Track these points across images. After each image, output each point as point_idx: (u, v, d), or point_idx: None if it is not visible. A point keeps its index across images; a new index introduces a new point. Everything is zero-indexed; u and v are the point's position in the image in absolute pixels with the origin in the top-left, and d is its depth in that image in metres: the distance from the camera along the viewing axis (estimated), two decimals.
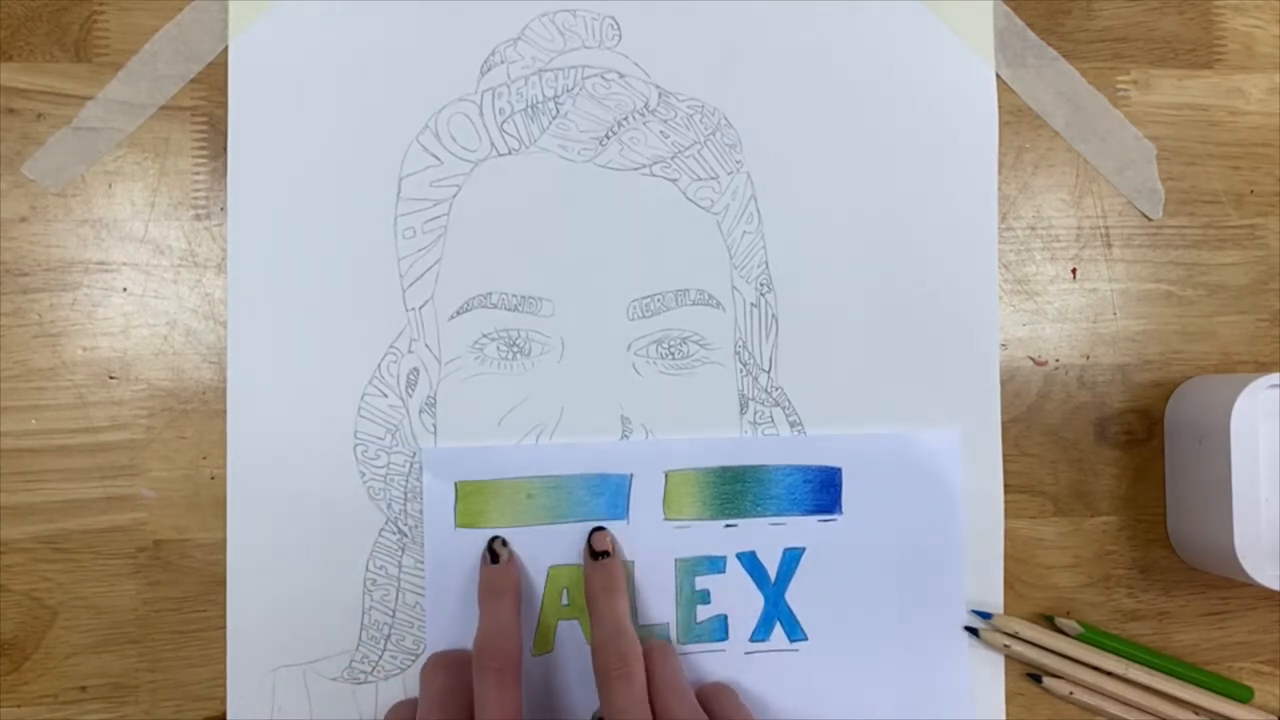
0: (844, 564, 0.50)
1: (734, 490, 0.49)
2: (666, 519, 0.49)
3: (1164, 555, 0.53)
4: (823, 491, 0.50)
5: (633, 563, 0.49)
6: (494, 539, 0.47)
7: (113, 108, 0.48)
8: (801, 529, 0.50)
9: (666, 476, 0.49)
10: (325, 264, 0.48)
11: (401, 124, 0.49)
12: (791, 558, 0.49)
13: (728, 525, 0.49)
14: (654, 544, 0.49)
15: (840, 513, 0.50)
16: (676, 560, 0.49)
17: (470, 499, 0.48)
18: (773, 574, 0.49)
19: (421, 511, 0.48)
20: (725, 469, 0.49)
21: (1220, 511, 0.47)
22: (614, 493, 0.49)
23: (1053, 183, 0.53)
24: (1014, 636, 0.50)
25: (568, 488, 0.48)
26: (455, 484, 0.48)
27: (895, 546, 0.50)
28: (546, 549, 0.48)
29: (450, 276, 0.49)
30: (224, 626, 0.47)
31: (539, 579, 0.48)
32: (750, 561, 0.49)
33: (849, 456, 0.50)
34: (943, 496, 0.50)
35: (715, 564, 0.49)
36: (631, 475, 0.49)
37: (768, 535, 0.49)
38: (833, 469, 0.50)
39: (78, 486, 0.47)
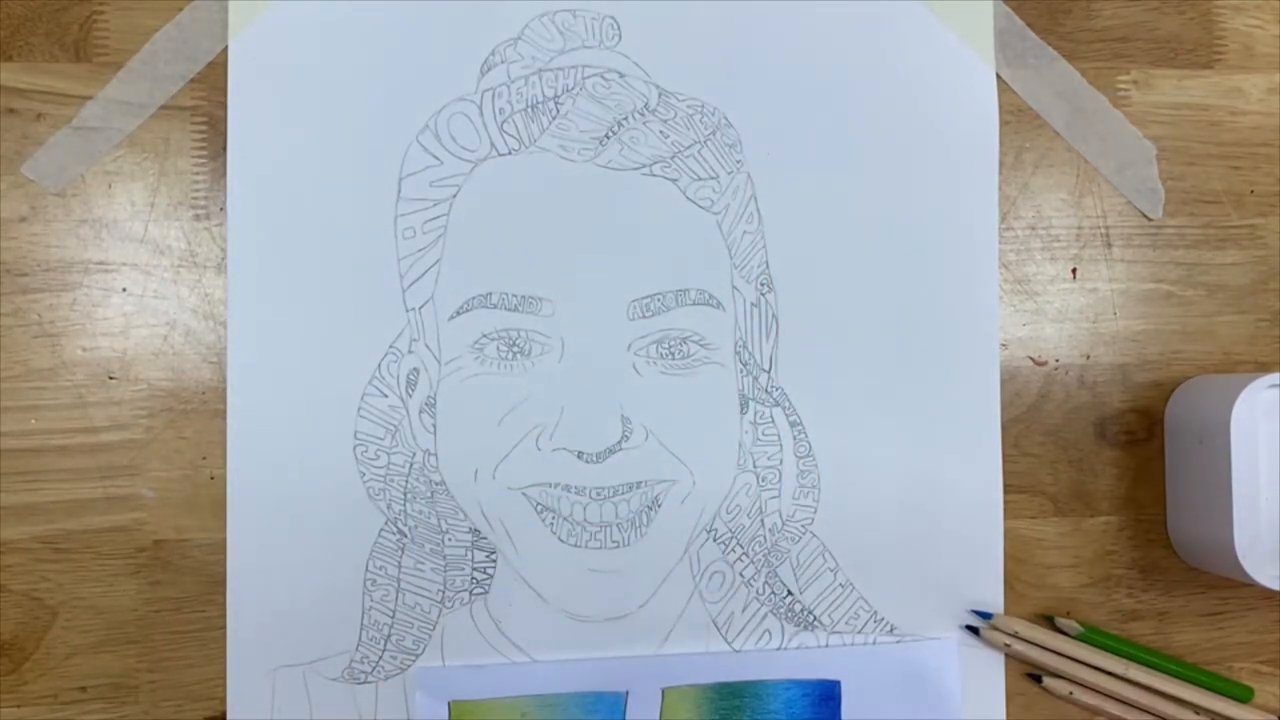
0: None
1: (732, 706, 0.49)
2: None
3: (1164, 555, 0.53)
4: (822, 705, 0.49)
5: None
6: None
7: (113, 108, 0.48)
8: None
9: (663, 694, 0.49)
10: (325, 264, 0.48)
11: (401, 124, 0.49)
12: None
13: None
14: None
15: None
16: None
17: None
18: None
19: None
20: (723, 685, 0.49)
21: (1220, 511, 0.47)
22: (609, 710, 0.48)
23: (1053, 183, 0.53)
24: (1014, 636, 0.50)
25: (562, 706, 0.48)
26: (449, 704, 0.48)
27: None
28: None
29: (450, 276, 0.49)
30: (224, 626, 0.47)
31: None
32: None
33: (848, 669, 0.50)
34: (943, 708, 0.50)
35: None
36: (627, 692, 0.48)
37: None
38: (831, 682, 0.50)
39: (78, 486, 0.47)
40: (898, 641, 0.50)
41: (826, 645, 0.50)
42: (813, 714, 0.49)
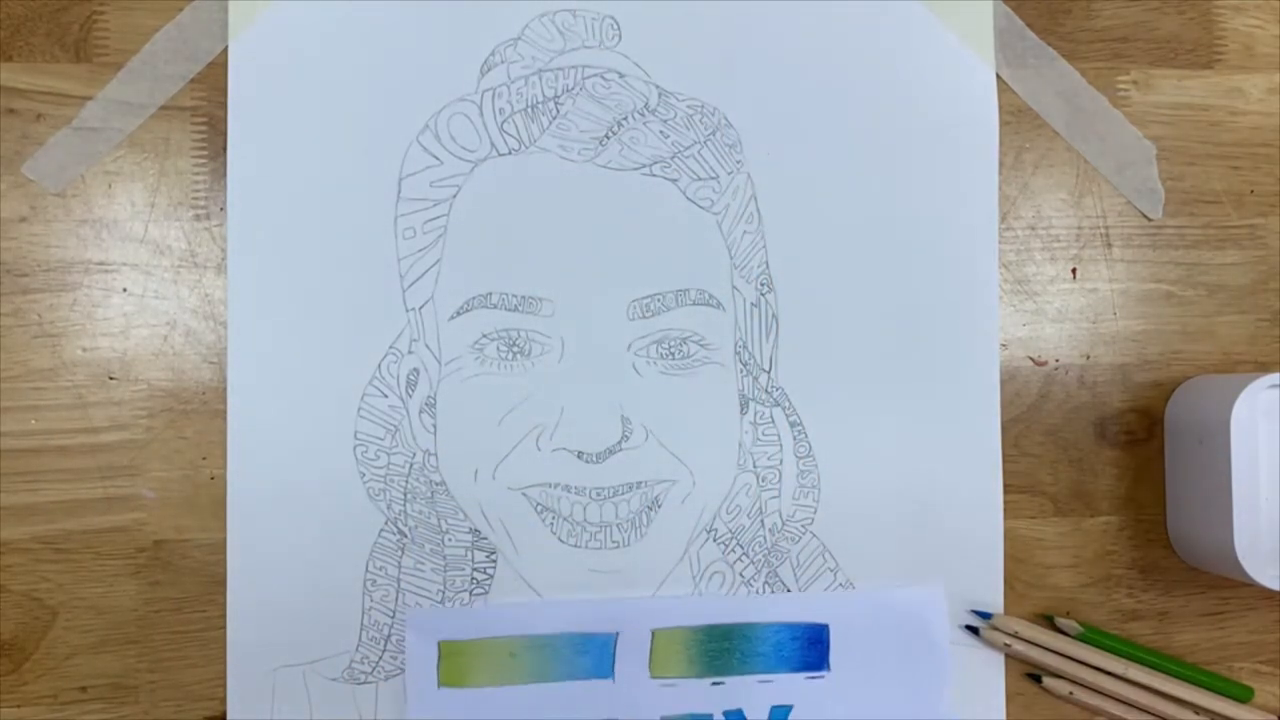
0: None
1: (721, 648, 0.49)
2: (652, 677, 0.49)
3: (1164, 555, 0.53)
4: (810, 648, 0.50)
5: None
6: None
7: (113, 108, 0.48)
8: (789, 686, 0.49)
9: (653, 635, 0.49)
10: (325, 264, 0.48)
11: (401, 124, 0.49)
12: (779, 715, 0.49)
13: (714, 683, 0.49)
14: (639, 703, 0.48)
15: (828, 670, 0.50)
16: (662, 718, 0.49)
17: (453, 659, 0.48)
18: None
19: (405, 659, 0.48)
20: (713, 627, 0.49)
21: (1220, 511, 0.47)
22: (599, 651, 0.48)
23: (1053, 183, 0.53)
24: (1014, 636, 0.50)
25: (552, 647, 0.48)
26: (438, 643, 0.48)
27: (883, 703, 0.49)
28: (532, 709, 0.48)
29: (450, 276, 0.49)
30: (224, 626, 0.47)
31: None
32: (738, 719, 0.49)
33: (836, 613, 0.50)
34: (930, 654, 0.50)
35: None
36: (617, 634, 0.48)
37: (755, 693, 0.49)
38: (820, 625, 0.50)
39: (78, 486, 0.47)
40: (887, 587, 0.50)
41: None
42: (801, 657, 0.50)
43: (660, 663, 0.49)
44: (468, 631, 0.48)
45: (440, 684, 0.48)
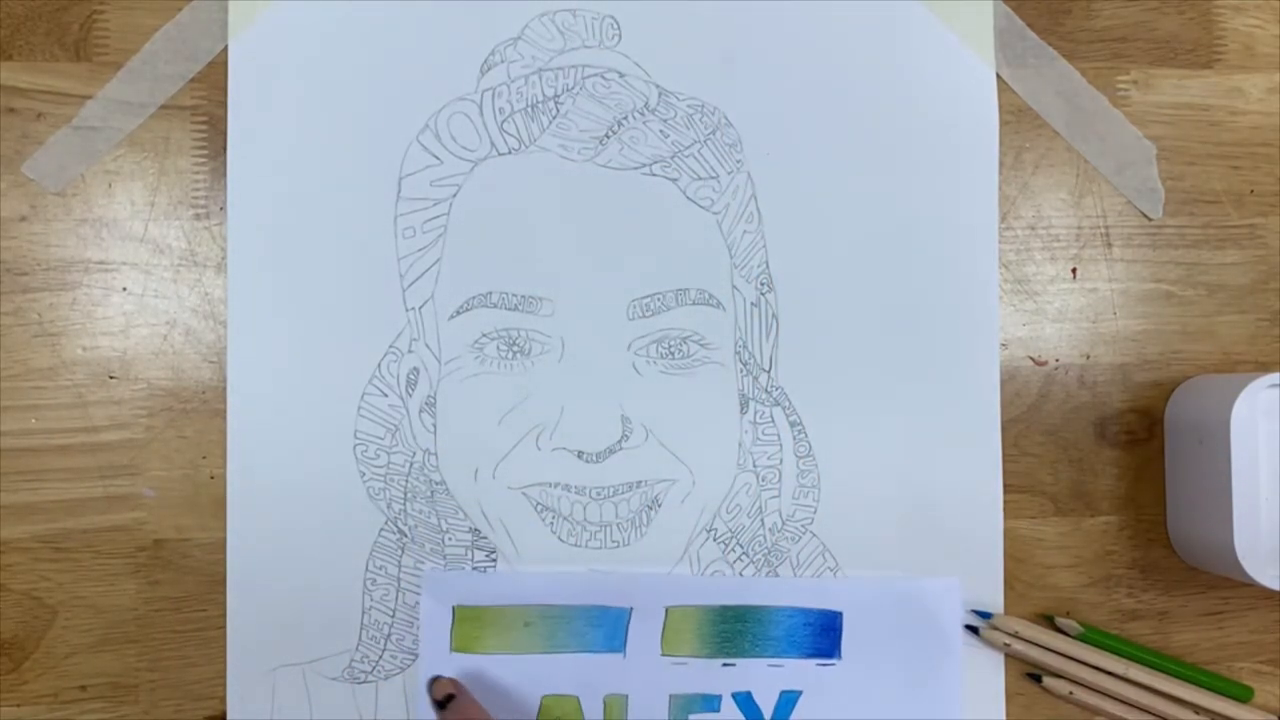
0: (841, 710, 0.49)
1: (734, 629, 0.49)
2: (664, 654, 0.49)
3: (1164, 555, 0.53)
4: (823, 635, 0.50)
5: (627, 697, 0.48)
6: (432, 681, 0.47)
7: (113, 107, 0.48)
8: (799, 672, 0.49)
9: (667, 612, 0.49)
10: (325, 264, 0.48)
11: (401, 124, 0.49)
12: (788, 700, 0.49)
13: (725, 664, 0.49)
14: (649, 679, 0.48)
15: (839, 658, 0.50)
16: (670, 696, 0.49)
17: (467, 624, 0.48)
18: (768, 716, 0.49)
19: (419, 627, 0.48)
20: (726, 608, 0.49)
21: (1220, 511, 0.47)
22: (612, 625, 0.49)
23: (1053, 183, 0.53)
24: (1014, 636, 0.50)
25: (566, 617, 0.48)
26: (453, 607, 0.48)
27: (893, 697, 0.49)
28: (541, 678, 0.48)
29: (450, 276, 0.49)
30: (224, 626, 0.47)
31: (532, 708, 0.48)
32: (746, 702, 0.49)
33: (850, 601, 0.50)
34: (942, 650, 0.50)
35: (710, 703, 0.49)
36: (631, 609, 0.49)
37: (765, 676, 0.49)
38: (834, 612, 0.50)
39: (78, 486, 0.47)
40: (902, 577, 0.50)
41: (834, 576, 0.50)
42: (813, 643, 0.50)
43: (672, 640, 0.49)
44: (484, 597, 0.48)
45: (453, 649, 0.48)
